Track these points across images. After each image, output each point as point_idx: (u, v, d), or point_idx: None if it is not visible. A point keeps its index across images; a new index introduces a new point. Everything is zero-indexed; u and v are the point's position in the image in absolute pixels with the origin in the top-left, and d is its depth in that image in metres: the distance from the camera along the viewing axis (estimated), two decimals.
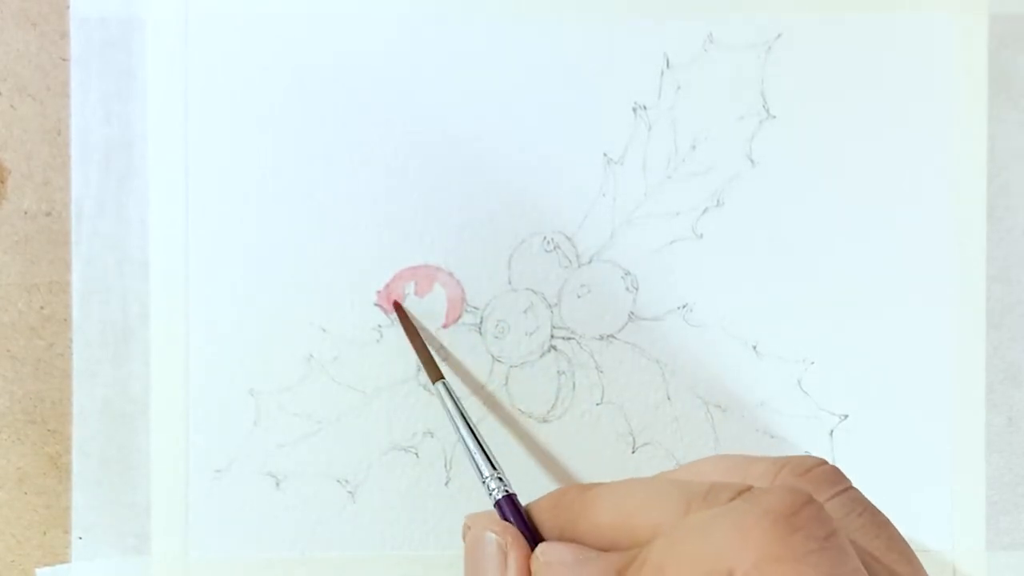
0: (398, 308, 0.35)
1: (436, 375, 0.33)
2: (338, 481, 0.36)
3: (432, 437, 0.36)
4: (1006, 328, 0.36)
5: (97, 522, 0.35)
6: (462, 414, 0.31)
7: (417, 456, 0.36)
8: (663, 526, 0.21)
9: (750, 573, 0.18)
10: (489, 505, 0.27)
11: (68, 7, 0.35)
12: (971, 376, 0.36)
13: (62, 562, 0.35)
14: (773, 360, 0.36)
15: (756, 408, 0.36)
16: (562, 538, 0.24)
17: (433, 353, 0.34)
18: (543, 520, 0.25)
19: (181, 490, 0.35)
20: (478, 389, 0.36)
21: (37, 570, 0.35)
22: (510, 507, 0.26)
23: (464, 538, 0.25)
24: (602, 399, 0.36)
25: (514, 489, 0.27)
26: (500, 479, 0.27)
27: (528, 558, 0.23)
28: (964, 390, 0.36)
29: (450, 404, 0.31)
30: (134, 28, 0.36)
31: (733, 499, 0.20)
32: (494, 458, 0.28)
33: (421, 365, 0.34)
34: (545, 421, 0.36)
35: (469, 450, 0.29)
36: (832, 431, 0.36)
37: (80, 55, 0.35)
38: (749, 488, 0.21)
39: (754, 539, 0.18)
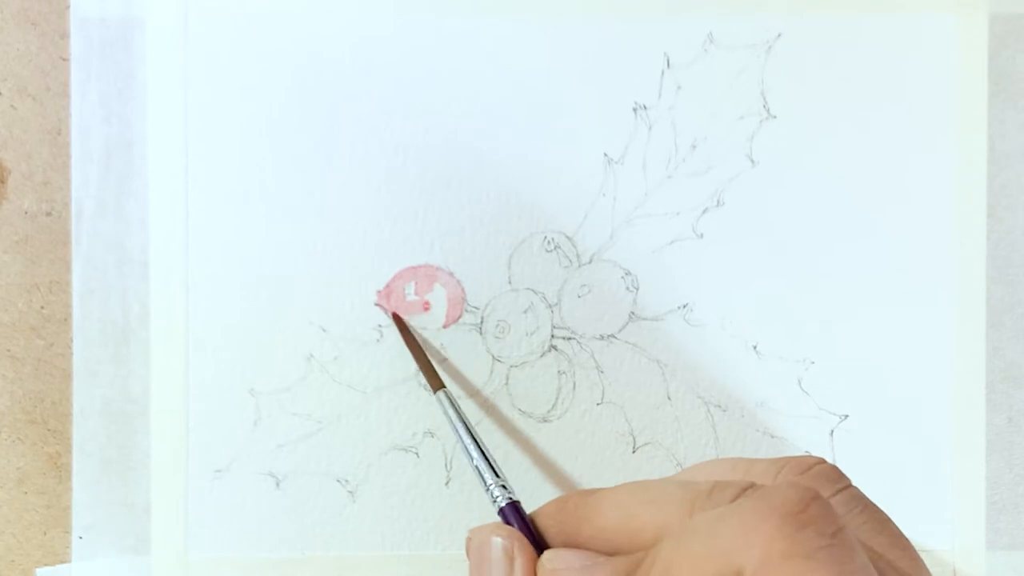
0: (397, 319, 0.35)
1: (437, 384, 0.33)
2: (338, 481, 0.36)
3: (432, 437, 0.36)
4: (1006, 328, 0.36)
5: (97, 522, 0.35)
6: (464, 422, 0.31)
7: (417, 456, 0.36)
8: (668, 527, 0.21)
9: (759, 571, 0.18)
10: (490, 509, 0.27)
11: (68, 7, 0.35)
12: (971, 376, 0.36)
13: (62, 562, 0.35)
14: (773, 360, 0.36)
15: (756, 408, 0.36)
16: (567, 544, 0.23)
17: (433, 361, 0.34)
18: (547, 526, 0.24)
19: (181, 490, 0.35)
20: (478, 389, 0.36)
21: (37, 570, 0.35)
22: (514, 514, 0.26)
23: (467, 549, 0.25)
24: (602, 399, 0.36)
25: (517, 496, 0.27)
26: (504, 487, 0.27)
27: (534, 563, 0.23)
28: (964, 390, 0.36)
29: (451, 412, 0.31)
30: (134, 28, 0.36)
31: (737, 497, 0.20)
32: (497, 466, 0.28)
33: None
34: (545, 421, 0.36)
35: (472, 458, 0.29)
36: (832, 431, 0.36)
37: (80, 55, 0.35)
38: (752, 485, 0.20)
39: (762, 536, 0.18)
